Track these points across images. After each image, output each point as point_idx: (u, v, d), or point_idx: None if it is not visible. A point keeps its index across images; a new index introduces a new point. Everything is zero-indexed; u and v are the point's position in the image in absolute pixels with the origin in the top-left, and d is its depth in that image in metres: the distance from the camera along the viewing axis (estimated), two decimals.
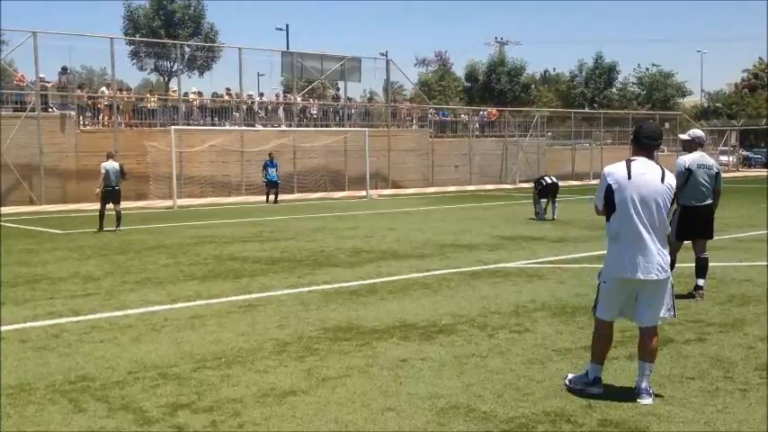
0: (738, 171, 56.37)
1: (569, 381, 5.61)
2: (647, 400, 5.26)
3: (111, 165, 18.45)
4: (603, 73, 67.83)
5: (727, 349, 6.67)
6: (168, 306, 8.89)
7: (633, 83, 73.52)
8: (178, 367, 6.30)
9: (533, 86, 67.46)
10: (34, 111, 27.93)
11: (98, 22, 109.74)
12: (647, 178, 5.31)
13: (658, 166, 5.42)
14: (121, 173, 18.53)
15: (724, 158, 55.85)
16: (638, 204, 5.26)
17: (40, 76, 28.80)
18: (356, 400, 5.42)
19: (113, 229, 17.66)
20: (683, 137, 9.35)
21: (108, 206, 18.25)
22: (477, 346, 6.86)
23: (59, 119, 28.85)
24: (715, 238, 9.63)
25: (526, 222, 18.96)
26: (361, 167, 34.02)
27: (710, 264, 9.37)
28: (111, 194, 18.29)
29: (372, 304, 8.86)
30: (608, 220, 5.43)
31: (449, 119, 43.98)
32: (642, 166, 5.37)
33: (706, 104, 76.41)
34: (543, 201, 19.98)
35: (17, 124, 27.23)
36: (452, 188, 37.97)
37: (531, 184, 22.13)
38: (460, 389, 5.63)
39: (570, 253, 13.10)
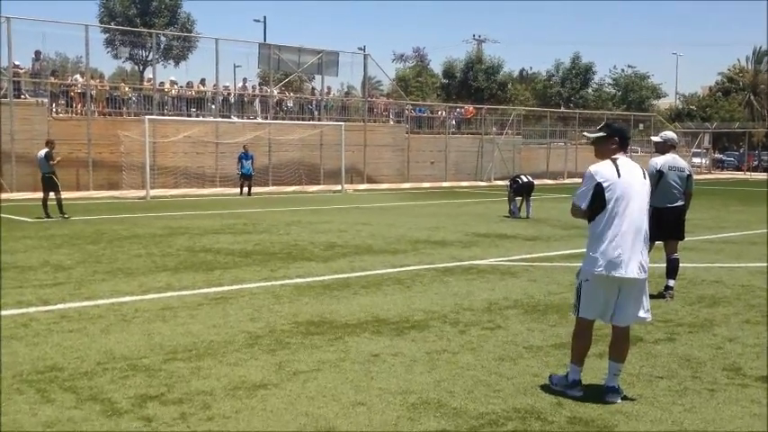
0: (711, 173, 57.03)
1: (552, 381, 5.59)
2: (616, 400, 5.31)
3: (41, 152, 18.67)
4: (580, 73, 68.25)
5: (696, 349, 6.75)
6: (139, 297, 8.82)
7: (609, 84, 74.10)
8: (148, 359, 6.25)
9: (510, 85, 67.62)
10: (6, 97, 27.56)
11: (73, 9, 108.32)
12: (633, 177, 5.35)
13: (638, 165, 5.47)
14: (47, 159, 18.47)
15: (697, 160, 56.52)
16: (626, 202, 5.27)
17: (14, 62, 28.40)
18: (327, 394, 5.41)
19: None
20: (656, 139, 9.44)
21: (50, 194, 18.43)
22: (449, 342, 6.88)
23: (32, 106, 28.50)
24: (686, 239, 9.74)
25: (500, 220, 19.03)
26: (336, 161, 33.96)
27: (681, 264, 9.46)
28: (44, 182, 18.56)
29: (345, 299, 8.85)
30: (591, 219, 5.38)
31: (425, 115, 43.99)
32: (626, 164, 5.39)
33: (680, 107, 77.11)
34: (518, 199, 20.09)
35: None
36: (427, 184, 38.04)
37: (507, 182, 22.20)
38: (431, 384, 5.64)
39: (543, 251, 13.17)
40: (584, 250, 5.49)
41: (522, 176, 20.62)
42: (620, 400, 5.30)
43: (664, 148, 9.21)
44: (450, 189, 34.75)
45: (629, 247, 5.25)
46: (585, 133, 5.67)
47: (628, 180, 5.31)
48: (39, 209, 18.50)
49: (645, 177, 5.45)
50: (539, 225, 17.78)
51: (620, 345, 5.50)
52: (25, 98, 28.90)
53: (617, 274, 5.25)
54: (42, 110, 28.65)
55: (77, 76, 31.92)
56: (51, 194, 18.41)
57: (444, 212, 21.40)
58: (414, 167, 40.14)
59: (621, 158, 5.42)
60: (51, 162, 18.55)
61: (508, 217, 19.61)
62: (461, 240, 14.65)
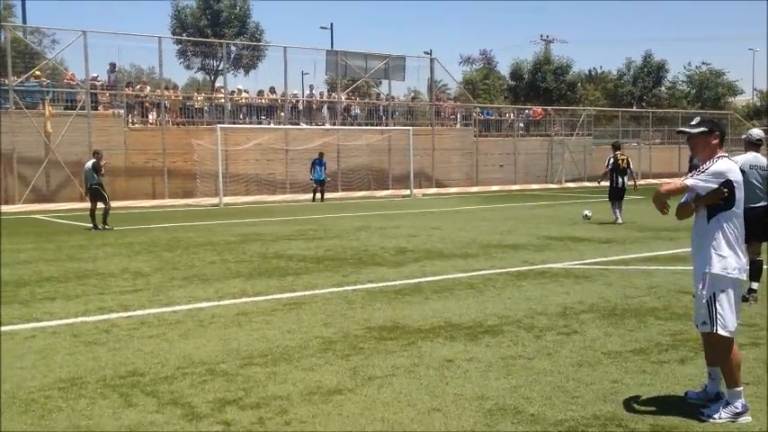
0: None
1: (708, 416, 4.98)
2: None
3: (88, 164, 18.61)
4: (652, 71, 66.70)
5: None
6: (215, 303, 8.97)
7: (683, 81, 72.28)
8: (225, 363, 6.34)
9: (579, 85, 66.56)
10: (84, 109, 28.46)
11: (146, 22, 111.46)
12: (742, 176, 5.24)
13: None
14: (94, 170, 18.37)
15: None
16: (741, 203, 5.16)
17: (91, 74, 29.31)
18: (402, 399, 5.39)
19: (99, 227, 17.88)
20: (743, 136, 9.23)
21: (98, 204, 18.38)
22: (524, 348, 6.79)
23: (109, 117, 29.39)
24: None
25: (572, 223, 18.74)
26: (404, 166, 34.03)
27: (765, 267, 9.15)
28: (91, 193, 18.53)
29: (417, 304, 8.83)
30: (708, 216, 5.10)
31: (493, 117, 43.71)
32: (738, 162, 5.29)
33: (758, 103, 74.72)
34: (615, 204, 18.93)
35: (68, 122, 27.78)
36: (497, 187, 37.76)
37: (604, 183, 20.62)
38: (508, 390, 5.57)
39: (618, 254, 12.90)
40: (657, 253, 5.33)
41: (619, 179, 19.10)
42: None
43: (746, 146, 8.95)
44: (519, 192, 34.42)
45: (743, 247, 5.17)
46: (683, 128, 5.42)
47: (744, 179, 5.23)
48: (118, 217, 19.05)
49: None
50: (612, 227, 17.43)
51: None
52: (102, 110, 29.80)
53: (745, 277, 5.16)
54: (119, 121, 29.54)
55: (147, 88, 32.76)
56: (100, 204, 18.22)
57: (515, 216, 21.19)
58: (482, 171, 39.91)
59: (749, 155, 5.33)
60: (99, 174, 18.39)
61: (608, 222, 18.42)
62: (533, 244, 14.47)
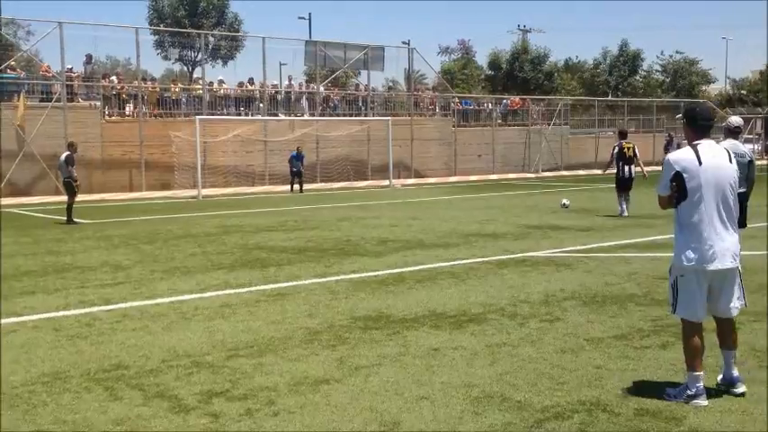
0: (763, 159, 55.66)
1: (669, 395, 5.14)
2: (742, 388, 5.18)
3: (62, 156, 18.29)
4: (628, 60, 67.16)
5: (761, 338, 6.60)
6: (198, 295, 8.94)
7: (657, 70, 72.81)
8: (211, 355, 6.33)
9: (556, 74, 66.82)
10: (60, 101, 28.16)
11: (123, 13, 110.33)
12: (718, 162, 5.12)
13: (723, 149, 5.24)
14: (67, 162, 17.99)
15: (749, 147, 55.11)
16: (711, 190, 5.07)
17: (67, 66, 28.99)
18: (390, 388, 5.41)
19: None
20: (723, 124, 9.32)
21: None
22: (509, 335, 6.84)
23: (85, 109, 29.10)
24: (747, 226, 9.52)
25: (551, 211, 18.84)
26: (383, 157, 34.01)
27: (741, 252, 9.23)
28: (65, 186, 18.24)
29: (401, 293, 8.86)
30: (675, 207, 5.22)
31: (472, 107, 43.76)
32: (709, 149, 5.15)
33: (731, 92, 75.42)
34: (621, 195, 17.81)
35: (43, 115, 27.46)
36: (475, 177, 37.85)
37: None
38: (494, 378, 5.61)
39: (597, 242, 13.00)
40: (636, 240, 5.39)
41: (626, 168, 17.88)
42: (745, 388, 5.19)
43: (725, 133, 9.05)
44: (497, 182, 34.54)
45: (719, 235, 5.13)
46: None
47: (710, 165, 5.08)
48: (95, 210, 18.89)
49: (731, 159, 5.20)
50: (591, 216, 17.55)
51: (729, 333, 5.32)
52: (78, 102, 29.50)
53: (709, 267, 5.11)
54: (95, 113, 29.24)
55: (113, 78, 32.45)
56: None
57: (494, 205, 21.28)
58: (461, 161, 39.99)
59: (704, 143, 5.18)
60: (70, 167, 17.98)
61: (614, 216, 17.46)
62: (513, 233, 14.54)
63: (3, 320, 7.74)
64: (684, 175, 5.11)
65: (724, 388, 5.27)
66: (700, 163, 5.10)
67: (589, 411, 4.90)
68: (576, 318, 7.49)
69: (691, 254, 5.12)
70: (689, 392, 5.08)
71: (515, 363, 5.98)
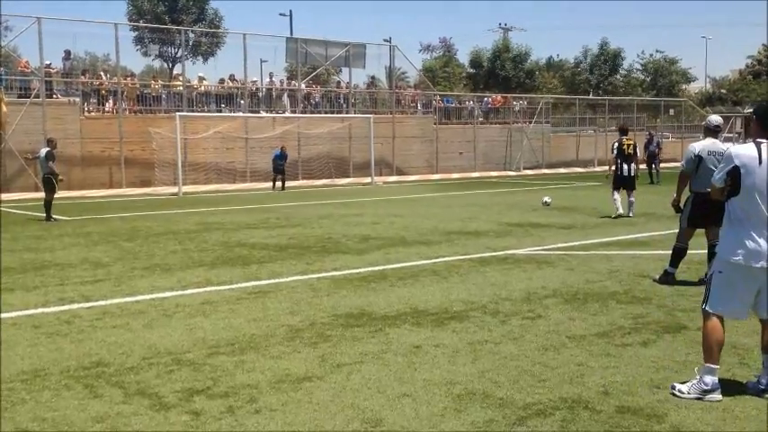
0: None
1: (680, 392, 5.11)
2: None
3: (42, 152, 18.04)
4: (608, 59, 67.52)
5: (742, 336, 6.65)
6: (179, 292, 8.89)
7: (638, 69, 73.28)
8: (192, 353, 6.29)
9: (538, 73, 67.11)
10: (39, 97, 27.90)
11: (102, 8, 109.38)
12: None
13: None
14: (47, 159, 17.75)
15: (728, 145, 55.56)
16: (766, 190, 5.00)
17: (45, 62, 28.73)
18: (372, 386, 5.40)
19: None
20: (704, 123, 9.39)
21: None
22: (491, 333, 6.85)
23: (64, 105, 28.85)
24: None
25: (533, 209, 18.90)
26: (365, 154, 34.00)
27: None
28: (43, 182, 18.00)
29: (383, 291, 8.85)
30: (726, 200, 5.17)
31: (453, 105, 43.83)
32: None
33: (711, 90, 76.08)
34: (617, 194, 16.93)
35: (22, 111, 27.19)
36: (456, 175, 37.94)
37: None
38: (476, 375, 5.61)
39: (578, 240, 13.05)
40: (618, 238, 5.40)
41: (625, 166, 16.88)
42: None
43: (705, 132, 9.13)
44: (479, 179, 34.62)
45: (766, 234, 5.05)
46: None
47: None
48: (74, 207, 18.75)
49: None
50: (572, 213, 17.63)
51: None
52: (57, 98, 29.25)
53: (755, 264, 5.03)
54: (74, 109, 29.01)
55: (101, 73, 32.23)
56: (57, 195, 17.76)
57: (476, 203, 21.32)
58: (442, 158, 40.04)
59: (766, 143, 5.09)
60: (51, 163, 17.73)
61: (613, 217, 16.55)
62: (495, 230, 14.58)
63: None
64: (742, 170, 5.05)
65: (753, 392, 5.17)
66: (760, 162, 5.02)
67: (571, 408, 4.92)
68: (557, 315, 7.51)
69: (739, 250, 5.07)
70: (704, 387, 5.04)
71: (497, 360, 5.99)
